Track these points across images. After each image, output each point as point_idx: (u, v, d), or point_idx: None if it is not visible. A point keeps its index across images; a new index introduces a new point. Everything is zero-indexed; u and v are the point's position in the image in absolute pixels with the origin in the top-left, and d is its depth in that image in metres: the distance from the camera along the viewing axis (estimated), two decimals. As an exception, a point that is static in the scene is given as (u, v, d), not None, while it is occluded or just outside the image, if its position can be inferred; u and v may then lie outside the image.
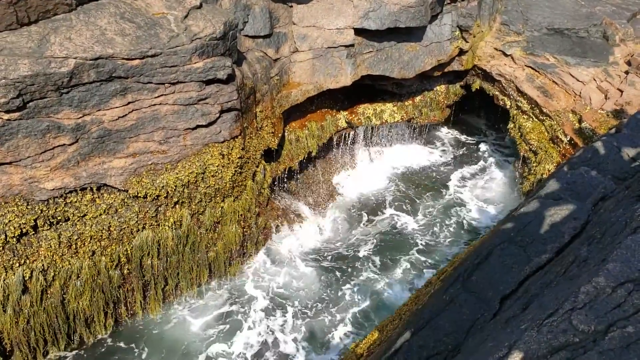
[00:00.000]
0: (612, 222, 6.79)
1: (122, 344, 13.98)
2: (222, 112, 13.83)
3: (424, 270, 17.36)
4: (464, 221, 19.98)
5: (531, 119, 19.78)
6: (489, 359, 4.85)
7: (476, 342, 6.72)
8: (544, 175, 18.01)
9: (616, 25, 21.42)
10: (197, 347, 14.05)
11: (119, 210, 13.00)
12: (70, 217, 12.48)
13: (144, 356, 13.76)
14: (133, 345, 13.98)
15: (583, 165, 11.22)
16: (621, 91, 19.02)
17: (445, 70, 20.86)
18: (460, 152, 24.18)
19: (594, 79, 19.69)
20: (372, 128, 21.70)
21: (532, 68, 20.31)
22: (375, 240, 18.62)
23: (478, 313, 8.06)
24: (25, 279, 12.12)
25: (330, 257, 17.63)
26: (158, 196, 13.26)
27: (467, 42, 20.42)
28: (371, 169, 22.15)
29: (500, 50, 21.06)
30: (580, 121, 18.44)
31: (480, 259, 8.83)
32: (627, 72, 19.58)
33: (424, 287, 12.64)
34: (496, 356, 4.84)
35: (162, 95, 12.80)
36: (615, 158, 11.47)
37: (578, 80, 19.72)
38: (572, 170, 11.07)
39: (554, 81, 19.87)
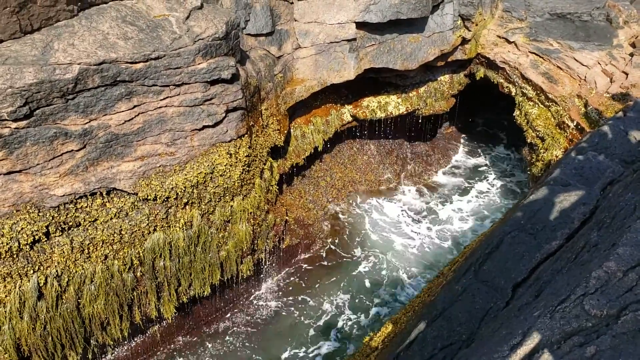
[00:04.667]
0: (622, 206, 6.78)
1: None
2: (227, 111, 13.87)
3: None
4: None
5: (537, 105, 19.71)
6: (503, 347, 4.87)
7: (490, 331, 6.75)
8: (552, 162, 17.95)
9: (619, 7, 21.28)
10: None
11: (130, 213, 13.09)
12: (82, 222, 12.57)
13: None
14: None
15: (590, 150, 11.19)
16: (626, 74, 18.91)
17: (449, 60, 20.81)
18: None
19: (599, 63, 19.58)
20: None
21: (536, 54, 20.22)
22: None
23: (491, 302, 8.08)
24: (40, 285, 12.23)
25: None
26: (168, 198, 13.34)
27: (469, 30, 20.35)
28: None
29: (503, 38, 20.98)
30: (586, 105, 18.36)
31: (491, 248, 8.84)
32: (632, 55, 19.46)
33: (435, 278, 12.66)
34: (510, 343, 4.86)
35: (167, 97, 12.85)
36: (623, 142, 11.43)
37: (583, 65, 19.61)
38: (579, 155, 11.05)
39: (558, 66, 19.77)
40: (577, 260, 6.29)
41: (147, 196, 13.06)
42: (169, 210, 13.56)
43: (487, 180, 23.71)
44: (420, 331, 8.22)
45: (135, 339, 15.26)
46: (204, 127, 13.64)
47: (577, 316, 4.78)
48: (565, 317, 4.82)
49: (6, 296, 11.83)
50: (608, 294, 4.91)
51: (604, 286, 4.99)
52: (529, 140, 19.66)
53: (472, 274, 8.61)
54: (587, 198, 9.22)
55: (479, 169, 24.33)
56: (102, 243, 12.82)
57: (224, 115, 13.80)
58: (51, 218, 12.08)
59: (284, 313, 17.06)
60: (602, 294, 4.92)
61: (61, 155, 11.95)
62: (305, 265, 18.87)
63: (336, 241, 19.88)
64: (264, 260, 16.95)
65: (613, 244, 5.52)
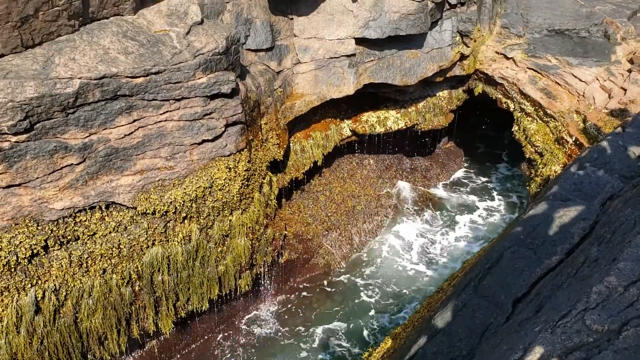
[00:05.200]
0: (622, 221, 6.79)
1: None
2: (227, 125, 13.90)
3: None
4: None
5: (535, 121, 19.77)
6: (504, 363, 4.85)
7: (490, 346, 6.71)
8: (551, 177, 17.98)
9: (617, 23, 21.45)
10: None
11: (128, 227, 13.06)
12: (80, 236, 12.54)
13: None
14: None
15: (590, 166, 11.21)
16: (625, 90, 19.00)
17: (447, 75, 20.90)
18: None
19: (597, 79, 19.68)
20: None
21: (534, 70, 20.32)
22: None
23: (491, 317, 8.05)
24: (38, 299, 12.17)
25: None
26: (166, 212, 13.32)
27: (468, 46, 20.47)
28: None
29: (501, 54, 21.09)
30: (584, 121, 18.42)
31: (491, 263, 8.83)
32: (630, 71, 19.56)
33: (435, 293, 12.61)
34: (512, 359, 4.84)
35: (167, 111, 12.89)
36: (622, 157, 11.45)
37: (581, 81, 19.71)
38: (579, 170, 11.06)
39: (556, 82, 19.87)
40: (577, 275, 6.28)
41: (146, 210, 13.04)
42: (168, 225, 13.54)
43: (489, 195, 23.74)
44: (420, 347, 8.18)
45: (133, 354, 15.16)
46: (204, 141, 13.67)
47: (578, 331, 4.76)
48: (566, 332, 4.80)
49: (3, 310, 11.77)
50: (609, 309, 4.90)
51: (605, 301, 4.98)
52: (527, 156, 19.70)
53: (471, 289, 8.58)
54: (587, 213, 9.22)
55: (480, 183, 24.38)
56: (101, 257, 12.78)
57: (223, 129, 13.84)
58: (50, 232, 12.05)
59: (280, 335, 16.98)
60: (603, 309, 4.91)
61: (61, 169, 11.95)
62: (305, 287, 18.85)
63: (334, 257, 19.85)
64: (262, 275, 16.91)
65: (614, 259, 5.52)
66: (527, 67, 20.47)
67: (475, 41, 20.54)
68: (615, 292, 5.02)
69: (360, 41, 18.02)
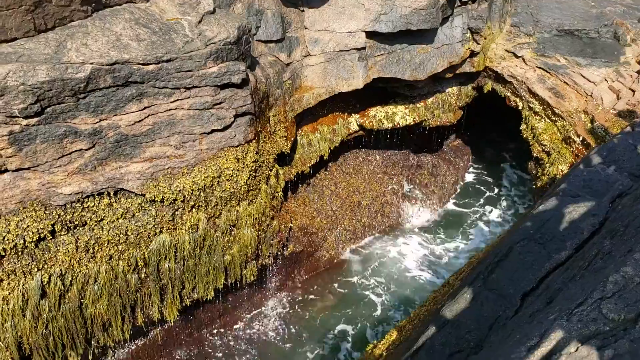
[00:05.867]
0: (635, 215, 6.78)
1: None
2: (236, 116, 13.90)
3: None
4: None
5: (543, 120, 19.75)
6: (520, 348, 4.85)
7: (500, 338, 6.72)
8: (558, 176, 17.97)
9: (627, 25, 21.38)
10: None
11: (136, 214, 13.08)
12: (88, 222, 12.56)
13: None
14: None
15: (599, 163, 11.20)
16: (633, 91, 18.97)
17: (457, 72, 20.88)
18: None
19: (606, 79, 19.65)
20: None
21: (543, 69, 20.29)
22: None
23: (499, 310, 8.05)
24: (44, 283, 12.20)
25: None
26: (175, 200, 13.34)
27: (478, 44, 20.45)
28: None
29: (511, 52, 21.06)
30: (592, 121, 18.40)
31: (500, 257, 8.83)
32: (639, 72, 19.52)
33: (441, 287, 12.62)
34: (527, 345, 4.84)
35: (178, 99, 12.89)
36: (632, 155, 11.44)
37: (589, 81, 19.68)
38: (588, 167, 11.05)
39: (565, 82, 19.84)
40: (590, 267, 6.28)
41: (155, 198, 13.06)
42: (176, 213, 13.55)
43: (494, 192, 23.73)
44: (427, 338, 8.19)
45: (136, 342, 15.21)
46: (213, 131, 13.67)
47: (594, 319, 4.77)
48: (582, 320, 4.81)
49: (9, 293, 11.80)
50: (626, 299, 4.90)
51: (621, 290, 4.98)
52: (534, 155, 19.69)
53: (480, 282, 8.59)
54: (597, 209, 9.22)
55: (486, 182, 24.37)
56: (108, 243, 12.81)
57: (232, 119, 13.83)
58: (57, 216, 12.07)
59: (283, 327, 16.99)
60: (619, 298, 4.91)
61: (70, 153, 11.96)
62: (309, 281, 18.83)
63: (339, 251, 19.86)
64: (268, 266, 16.93)
65: (629, 250, 5.51)
66: (536, 66, 20.44)
67: (485, 38, 20.51)
68: (631, 282, 5.02)
69: (370, 35, 18.00)
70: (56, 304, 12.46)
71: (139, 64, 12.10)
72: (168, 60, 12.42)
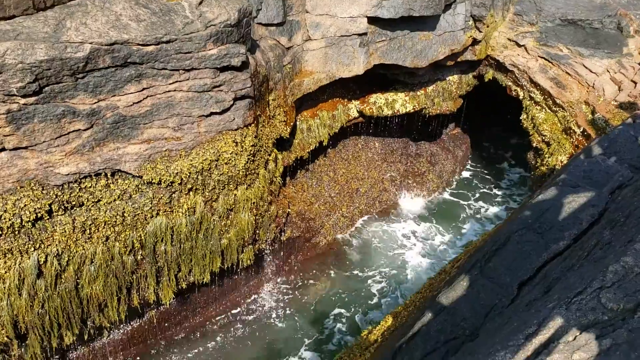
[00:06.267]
0: (636, 206, 6.75)
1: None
2: (235, 99, 13.80)
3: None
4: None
5: (544, 110, 19.68)
6: (518, 335, 4.83)
7: (496, 326, 6.71)
8: (557, 167, 17.94)
9: (631, 16, 21.25)
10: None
11: (133, 196, 13.03)
12: (85, 203, 12.51)
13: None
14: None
15: (600, 154, 11.15)
16: (635, 83, 18.90)
17: (458, 59, 20.77)
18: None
19: (608, 71, 19.56)
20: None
21: (545, 59, 20.19)
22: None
23: (496, 298, 8.04)
24: (40, 263, 12.17)
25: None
26: (172, 182, 13.28)
27: (480, 32, 20.31)
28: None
29: (513, 41, 20.94)
30: (593, 112, 18.34)
31: (498, 245, 8.81)
32: (641, 64, 19.44)
33: (437, 275, 12.63)
34: (525, 333, 4.83)
35: (176, 81, 12.79)
36: (633, 147, 11.38)
37: (591, 72, 19.60)
38: (588, 158, 11.00)
39: (567, 72, 19.74)
40: (589, 257, 6.25)
41: (152, 180, 13.00)
42: (173, 195, 13.50)
43: (493, 182, 23.72)
44: (423, 324, 8.19)
45: (132, 323, 15.22)
46: (212, 113, 13.58)
47: (593, 309, 4.75)
48: (581, 309, 4.79)
49: (6, 272, 11.77)
50: (625, 288, 4.88)
51: (621, 280, 4.96)
52: (534, 145, 19.65)
53: (477, 270, 8.57)
54: (596, 200, 9.18)
55: (485, 170, 24.35)
56: (104, 224, 12.76)
57: (231, 102, 13.74)
58: (55, 196, 12.01)
59: (279, 311, 17.03)
60: (619, 288, 4.89)
61: (68, 134, 11.88)
62: (306, 266, 18.83)
63: (336, 237, 19.87)
64: (265, 250, 16.92)
65: (629, 241, 5.48)
66: (539, 56, 20.33)
67: (488, 26, 20.38)
68: (631, 272, 4.99)
69: (372, 20, 17.85)
70: (52, 284, 12.44)
71: (138, 44, 11.99)
72: (168, 42, 12.30)
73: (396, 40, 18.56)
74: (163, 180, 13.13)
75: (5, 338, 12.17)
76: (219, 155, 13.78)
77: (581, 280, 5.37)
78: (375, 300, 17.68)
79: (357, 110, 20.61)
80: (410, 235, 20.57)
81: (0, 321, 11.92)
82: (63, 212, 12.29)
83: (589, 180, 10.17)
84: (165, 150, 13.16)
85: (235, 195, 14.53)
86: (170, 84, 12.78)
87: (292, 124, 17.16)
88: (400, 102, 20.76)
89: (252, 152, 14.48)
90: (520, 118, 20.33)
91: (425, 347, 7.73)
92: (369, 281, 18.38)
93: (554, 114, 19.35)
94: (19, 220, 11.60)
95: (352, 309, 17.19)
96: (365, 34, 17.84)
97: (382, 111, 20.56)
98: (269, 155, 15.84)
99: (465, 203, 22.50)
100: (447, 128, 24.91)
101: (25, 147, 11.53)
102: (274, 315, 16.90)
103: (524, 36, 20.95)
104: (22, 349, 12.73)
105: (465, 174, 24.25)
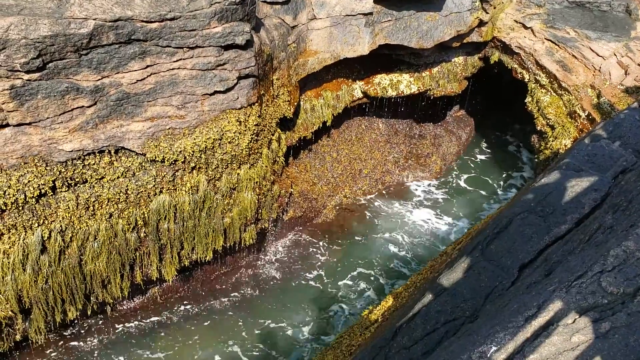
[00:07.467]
0: (639, 191, 6.75)
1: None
2: (239, 78, 13.75)
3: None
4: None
5: (549, 93, 19.57)
6: (517, 317, 4.87)
7: (496, 308, 6.76)
8: (561, 150, 17.89)
9: (640, -1, 21.01)
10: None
11: (137, 173, 13.06)
12: (88, 179, 12.56)
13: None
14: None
15: (604, 138, 11.13)
16: (642, 67, 18.75)
17: (464, 41, 20.60)
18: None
19: (615, 54, 19.40)
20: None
21: (552, 41, 20.02)
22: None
23: (496, 281, 8.09)
24: (44, 239, 12.26)
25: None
26: (175, 161, 13.30)
27: (487, 13, 20.13)
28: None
29: (520, 23, 20.76)
30: (599, 96, 18.23)
31: (500, 228, 8.83)
32: (649, 47, 19.26)
33: (439, 256, 12.68)
34: (525, 315, 4.87)
35: (180, 59, 12.74)
36: (637, 132, 11.36)
37: (598, 55, 19.44)
38: (593, 142, 10.98)
39: (573, 55, 19.60)
40: (590, 241, 6.28)
41: (155, 157, 13.02)
42: (176, 174, 13.53)
43: (497, 165, 23.70)
44: (423, 305, 8.25)
45: (135, 299, 15.36)
46: (215, 92, 13.54)
47: (593, 292, 4.78)
48: (581, 292, 4.82)
49: (10, 247, 11.87)
50: (626, 272, 4.91)
51: (622, 264, 4.99)
52: (538, 128, 19.56)
53: (479, 252, 8.61)
54: (599, 184, 9.18)
55: (489, 153, 24.31)
56: (108, 201, 12.82)
57: (235, 81, 13.70)
58: (58, 173, 12.05)
59: (281, 280, 17.18)
60: (619, 272, 4.92)
61: (72, 110, 11.89)
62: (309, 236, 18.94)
63: (338, 217, 19.93)
64: (267, 229, 16.99)
65: (631, 225, 5.50)
66: (545, 38, 20.16)
67: (494, 8, 20.19)
68: (632, 256, 5.02)
69: (378, 0, 17.69)
70: (56, 260, 12.55)
71: (142, 21, 11.92)
72: (172, 19, 12.23)
73: (402, 20, 18.41)
74: (166, 159, 13.16)
75: (10, 312, 12.31)
76: (223, 134, 13.78)
77: (582, 263, 5.40)
78: (373, 281, 17.82)
79: (361, 91, 20.53)
80: (413, 216, 20.60)
81: (5, 295, 12.04)
82: (67, 189, 12.34)
83: (592, 164, 10.16)
84: (169, 129, 13.16)
85: (238, 174, 14.56)
86: (174, 61, 12.73)
87: (295, 103, 17.11)
88: (404, 83, 20.66)
89: (255, 132, 14.47)
90: (525, 101, 20.21)
91: (425, 327, 7.80)
92: (369, 259, 18.48)
93: (559, 97, 19.24)
94: (22, 196, 11.66)
95: (350, 278, 17.36)
96: (370, 13, 17.70)
97: (387, 92, 20.46)
98: (273, 134, 15.83)
99: (469, 186, 22.49)
100: (451, 110, 24.80)
101: (29, 123, 11.55)
102: (276, 281, 17.08)
103: (531, 18, 20.77)
104: (27, 323, 12.88)
105: (469, 156, 24.19)
